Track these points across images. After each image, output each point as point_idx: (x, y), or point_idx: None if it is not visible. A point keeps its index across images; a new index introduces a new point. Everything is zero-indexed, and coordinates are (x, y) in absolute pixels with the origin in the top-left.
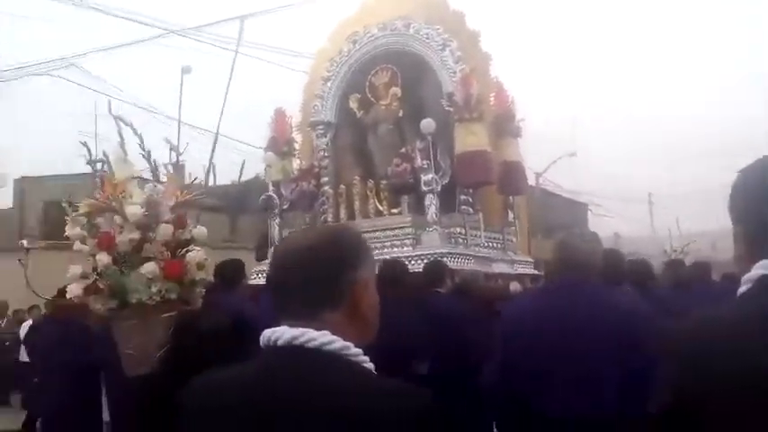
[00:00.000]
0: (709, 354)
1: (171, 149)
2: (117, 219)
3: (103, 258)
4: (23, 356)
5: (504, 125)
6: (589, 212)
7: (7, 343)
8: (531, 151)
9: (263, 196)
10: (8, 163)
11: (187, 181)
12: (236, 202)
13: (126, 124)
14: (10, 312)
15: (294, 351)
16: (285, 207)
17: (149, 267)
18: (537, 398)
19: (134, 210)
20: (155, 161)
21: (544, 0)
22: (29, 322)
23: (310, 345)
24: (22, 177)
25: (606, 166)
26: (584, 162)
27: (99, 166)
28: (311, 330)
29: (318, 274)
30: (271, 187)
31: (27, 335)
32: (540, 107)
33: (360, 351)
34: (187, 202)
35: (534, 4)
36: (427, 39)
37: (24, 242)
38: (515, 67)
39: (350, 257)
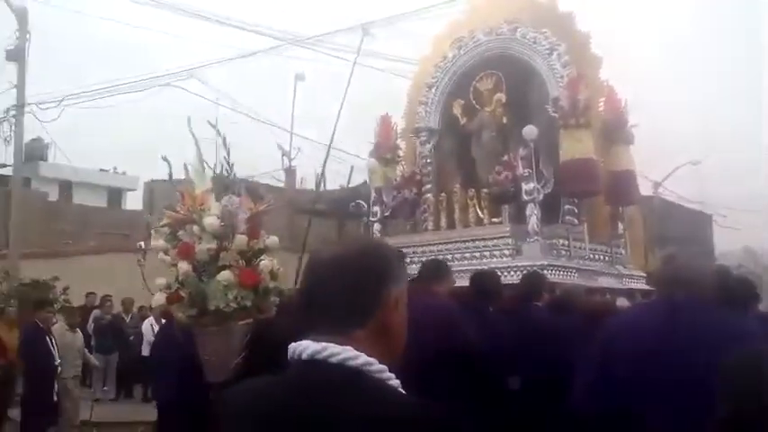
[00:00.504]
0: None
1: (283, 155)
2: (195, 229)
3: (184, 267)
4: (146, 351)
5: (615, 132)
6: (714, 224)
7: (131, 338)
8: (652, 159)
9: (352, 204)
10: (140, 168)
11: (298, 185)
12: (344, 207)
13: (219, 134)
14: (135, 309)
15: (317, 366)
16: (387, 214)
17: (225, 275)
18: (644, 427)
19: (211, 221)
20: (235, 173)
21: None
22: (150, 319)
23: (333, 360)
24: (152, 181)
25: (736, 173)
26: (710, 170)
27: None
28: (334, 345)
29: (348, 290)
30: (373, 194)
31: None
32: (663, 112)
33: (384, 368)
34: (263, 213)
35: (654, 3)
36: (534, 43)
37: (142, 243)
38: (633, 67)
39: (381, 274)
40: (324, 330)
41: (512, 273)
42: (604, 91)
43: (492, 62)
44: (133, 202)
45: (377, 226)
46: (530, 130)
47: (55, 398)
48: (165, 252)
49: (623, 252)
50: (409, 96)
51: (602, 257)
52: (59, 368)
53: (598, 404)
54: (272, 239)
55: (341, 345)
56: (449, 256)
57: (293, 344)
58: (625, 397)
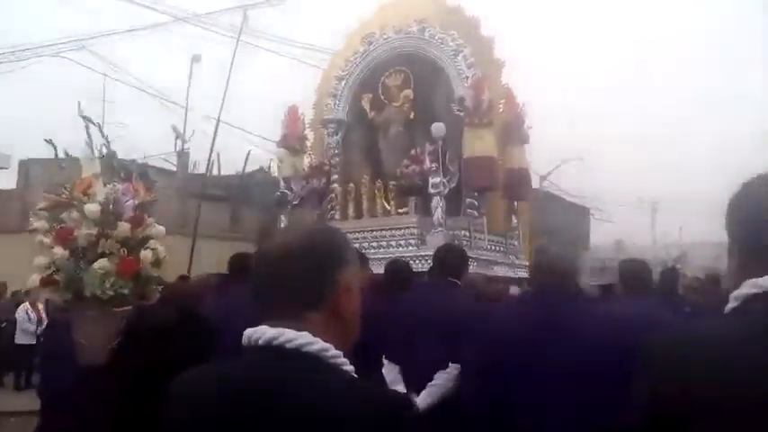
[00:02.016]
0: (688, 370)
1: (177, 138)
2: (75, 215)
3: (60, 251)
4: (20, 339)
5: (513, 132)
6: (591, 217)
7: (3, 324)
8: (537, 154)
9: (277, 193)
10: (14, 144)
11: (191, 169)
12: (239, 193)
13: (93, 124)
14: (9, 294)
15: (274, 352)
16: (295, 203)
17: (102, 263)
18: (526, 416)
19: (92, 207)
20: (117, 161)
21: (558, 6)
22: (25, 305)
23: (289, 345)
24: (28, 159)
25: (612, 171)
26: (591, 167)
27: (103, 149)
28: (291, 331)
29: (303, 275)
30: (282, 183)
31: None
32: (551, 110)
33: (339, 353)
34: (147, 203)
35: (547, 11)
36: (441, 44)
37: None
38: (528, 71)
39: (335, 259)
40: (279, 316)
41: (418, 261)
42: (504, 93)
43: (401, 59)
44: (6, 180)
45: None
46: (438, 128)
47: None
48: (45, 234)
49: (516, 243)
50: (318, 88)
51: (498, 248)
52: None
53: (480, 396)
54: (159, 229)
55: (297, 330)
56: (357, 245)
57: (249, 329)
58: (501, 386)
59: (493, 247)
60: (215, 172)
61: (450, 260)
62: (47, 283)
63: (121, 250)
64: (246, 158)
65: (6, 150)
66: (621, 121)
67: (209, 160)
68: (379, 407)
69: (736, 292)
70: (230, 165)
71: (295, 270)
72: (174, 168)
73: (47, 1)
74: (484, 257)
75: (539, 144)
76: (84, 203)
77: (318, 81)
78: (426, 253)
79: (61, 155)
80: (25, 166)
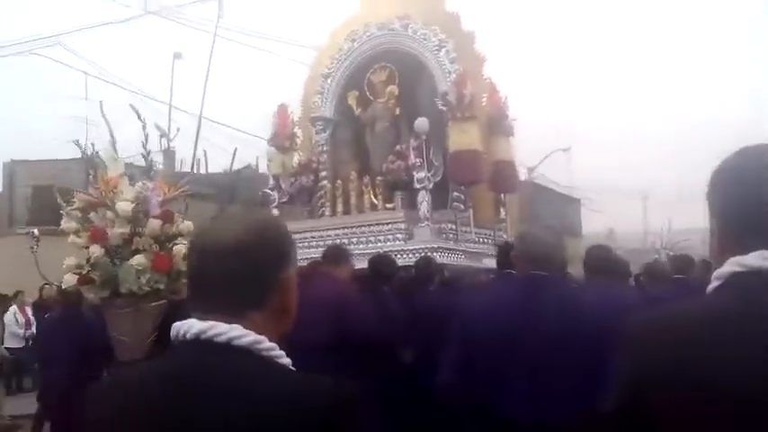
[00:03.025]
0: (667, 352)
1: (161, 136)
2: (109, 214)
3: (96, 251)
4: (8, 342)
5: (497, 124)
6: (582, 208)
7: None
8: (526, 146)
9: (261, 192)
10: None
11: (177, 168)
12: (226, 191)
13: (140, 120)
14: None
15: (203, 345)
16: (284, 200)
17: (138, 259)
18: (505, 402)
19: (124, 206)
20: (151, 159)
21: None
22: (14, 308)
23: (219, 339)
24: (12, 161)
25: (602, 161)
26: (580, 157)
27: (89, 151)
28: (221, 324)
29: (247, 273)
30: (271, 181)
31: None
32: (537, 102)
33: (274, 345)
34: (175, 198)
35: (528, 4)
36: (424, 39)
37: (35, 231)
38: (510, 64)
39: (277, 254)
40: (213, 310)
41: (405, 255)
42: (487, 87)
43: (385, 56)
44: None
45: (275, 211)
46: (421, 123)
47: None
48: (77, 234)
49: (504, 236)
50: (305, 86)
51: (486, 240)
52: None
53: (460, 381)
54: (187, 224)
55: (228, 324)
56: (345, 241)
57: (177, 323)
58: (485, 374)
59: (481, 240)
60: (202, 170)
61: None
62: (84, 281)
63: (153, 246)
64: (233, 156)
65: None
66: (609, 111)
67: (193, 157)
68: (319, 397)
69: (718, 271)
70: (218, 161)
71: (239, 267)
72: (161, 167)
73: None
74: (472, 250)
75: (526, 137)
76: (115, 203)
77: (304, 77)
78: (414, 247)
79: (43, 155)
80: (9, 168)
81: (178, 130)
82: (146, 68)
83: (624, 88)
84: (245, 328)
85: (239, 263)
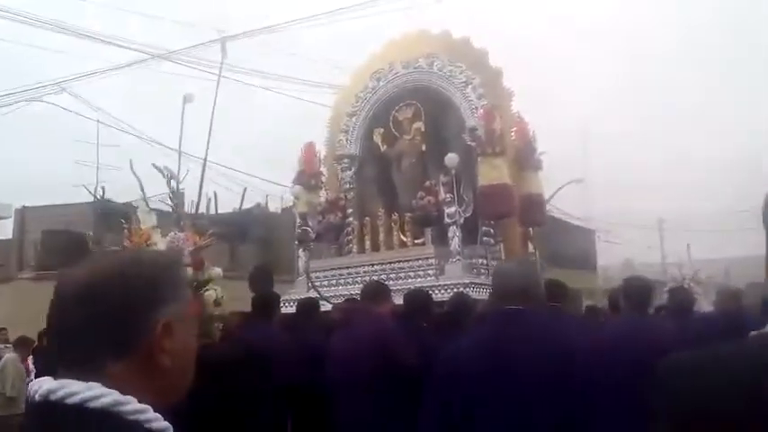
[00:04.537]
0: (707, 394)
1: (170, 178)
2: None
3: None
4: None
5: (526, 159)
6: (597, 239)
7: None
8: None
9: (298, 230)
10: (10, 193)
11: (187, 209)
12: (237, 231)
13: (164, 176)
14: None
15: (50, 408)
16: (313, 239)
17: None
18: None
19: None
20: (180, 209)
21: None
22: (14, 355)
23: (70, 401)
24: (23, 207)
25: (617, 193)
26: (595, 189)
27: (100, 194)
28: (75, 382)
29: (98, 316)
30: (298, 220)
31: None
32: (551, 134)
33: (145, 407)
34: (205, 246)
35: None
36: (450, 76)
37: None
38: (531, 100)
39: (144, 294)
40: (70, 365)
41: (437, 291)
42: (515, 121)
43: (410, 93)
44: (6, 230)
45: (304, 251)
46: (451, 159)
47: None
48: None
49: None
50: (329, 124)
51: None
52: None
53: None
54: (216, 270)
55: (86, 381)
56: (376, 278)
57: (32, 382)
58: (460, 418)
59: None
60: (212, 211)
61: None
62: None
63: None
64: (243, 196)
65: (5, 199)
66: (622, 141)
67: (198, 198)
68: None
69: None
70: (226, 204)
71: (93, 312)
72: (170, 209)
73: (17, 46)
74: None
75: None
76: None
77: (322, 116)
78: (445, 282)
79: (52, 199)
80: (21, 214)
81: (188, 171)
82: (156, 112)
83: (641, 117)
84: (105, 384)
85: (88, 304)
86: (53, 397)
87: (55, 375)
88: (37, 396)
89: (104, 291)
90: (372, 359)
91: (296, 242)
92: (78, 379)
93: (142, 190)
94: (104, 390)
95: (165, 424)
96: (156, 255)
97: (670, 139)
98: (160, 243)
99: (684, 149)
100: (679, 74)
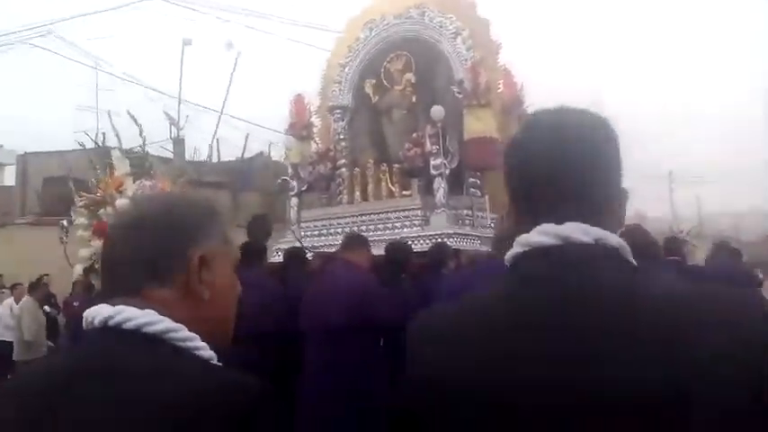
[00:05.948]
0: (430, 353)
1: (171, 124)
2: (110, 210)
3: (98, 244)
4: (1, 335)
5: (512, 111)
6: None
7: None
8: None
9: (279, 180)
10: (12, 138)
11: (189, 157)
12: (239, 179)
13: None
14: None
15: (109, 333)
16: (304, 189)
17: None
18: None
19: (123, 203)
20: (149, 158)
21: None
22: (10, 300)
23: (127, 325)
24: (25, 153)
25: (626, 144)
26: None
27: (100, 140)
28: (131, 308)
29: (146, 247)
30: (289, 170)
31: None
32: (561, 82)
33: (193, 336)
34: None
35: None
36: (440, 27)
37: (64, 222)
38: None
39: (185, 228)
40: (122, 293)
41: (422, 241)
42: (503, 74)
43: (402, 44)
44: (10, 177)
45: (294, 200)
46: (437, 111)
47: None
48: (86, 229)
49: None
50: (323, 75)
51: None
52: None
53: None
54: None
55: (141, 308)
56: (363, 228)
57: (88, 309)
58: None
59: (496, 225)
60: (214, 158)
61: None
62: (89, 272)
63: None
64: (245, 143)
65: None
66: (633, 94)
67: (210, 147)
68: (230, 392)
69: (509, 253)
70: (230, 151)
71: (142, 242)
72: (171, 155)
73: None
74: (488, 235)
75: None
76: (117, 200)
77: (320, 63)
78: (430, 233)
79: (49, 145)
80: (21, 161)
81: (188, 117)
82: (154, 55)
83: (648, 67)
84: (150, 308)
85: (137, 237)
86: (111, 322)
87: (109, 302)
88: (96, 321)
89: (150, 224)
90: (350, 308)
91: (277, 193)
92: (125, 304)
93: (117, 137)
94: (158, 316)
95: (212, 353)
96: (200, 199)
97: (677, 89)
98: (130, 189)
99: (694, 101)
100: (686, 20)
